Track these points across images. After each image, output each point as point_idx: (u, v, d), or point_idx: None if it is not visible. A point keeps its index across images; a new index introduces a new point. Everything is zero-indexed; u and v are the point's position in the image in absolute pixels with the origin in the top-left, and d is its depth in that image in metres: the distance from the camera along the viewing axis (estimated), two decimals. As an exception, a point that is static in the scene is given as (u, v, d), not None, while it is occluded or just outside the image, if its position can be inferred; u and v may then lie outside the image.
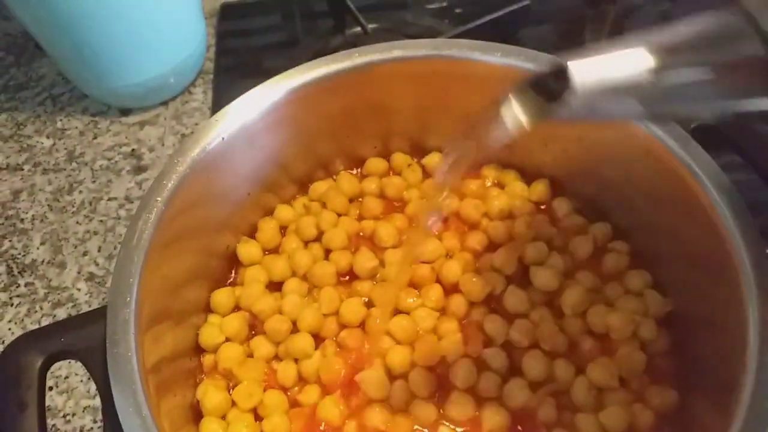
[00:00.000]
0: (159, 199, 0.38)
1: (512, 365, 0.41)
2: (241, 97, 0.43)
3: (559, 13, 0.78)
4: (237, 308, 0.45)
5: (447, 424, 0.40)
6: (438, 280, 0.45)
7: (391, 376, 0.41)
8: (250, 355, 0.43)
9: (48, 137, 0.71)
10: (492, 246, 0.46)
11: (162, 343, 0.38)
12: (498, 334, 0.42)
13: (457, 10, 0.81)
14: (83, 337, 0.36)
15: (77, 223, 0.64)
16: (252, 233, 0.48)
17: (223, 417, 0.40)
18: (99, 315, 0.36)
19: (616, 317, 0.41)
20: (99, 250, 0.62)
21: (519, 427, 0.39)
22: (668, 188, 0.41)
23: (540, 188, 0.49)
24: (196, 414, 0.40)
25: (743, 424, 0.30)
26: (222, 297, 0.45)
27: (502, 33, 0.72)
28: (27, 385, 0.34)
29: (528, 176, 0.50)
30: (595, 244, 0.46)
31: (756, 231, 0.35)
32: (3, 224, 0.64)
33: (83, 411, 0.53)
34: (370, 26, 0.72)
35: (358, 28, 0.72)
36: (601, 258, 0.45)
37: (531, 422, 0.39)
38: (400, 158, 0.51)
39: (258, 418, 0.40)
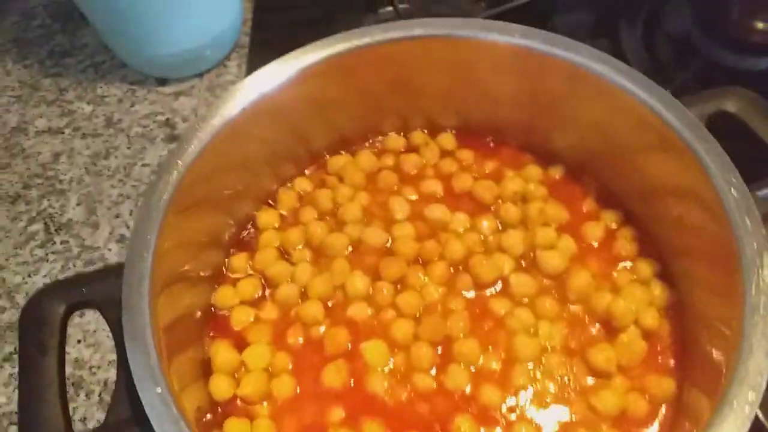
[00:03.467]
0: (180, 162, 0.40)
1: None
2: (264, 68, 0.44)
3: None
4: (251, 273, 0.47)
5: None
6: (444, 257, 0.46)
7: (394, 347, 0.42)
8: (262, 319, 0.44)
9: (88, 103, 0.74)
10: (503, 228, 0.47)
11: (177, 300, 0.40)
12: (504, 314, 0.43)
13: (495, -8, 0.81)
14: (103, 289, 0.38)
15: (111, 186, 0.67)
16: (270, 202, 0.50)
17: (232, 375, 0.42)
18: (119, 269, 0.38)
19: (618, 305, 0.41)
20: (130, 214, 0.65)
21: (513, 406, 0.40)
22: (680, 179, 0.41)
23: (555, 173, 0.49)
24: (206, 370, 0.42)
25: (727, 408, 0.30)
26: (239, 261, 0.47)
27: (535, 17, 0.72)
28: (50, 330, 0.37)
29: (544, 160, 0.50)
30: (607, 230, 0.46)
31: (762, 227, 0.35)
32: (42, 184, 0.67)
33: (108, 364, 0.56)
34: (402, 6, 0.72)
35: (390, 8, 0.73)
36: (612, 245, 0.46)
37: (522, 402, 0.40)
38: (418, 137, 0.52)
39: (266, 377, 0.42)
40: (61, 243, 0.63)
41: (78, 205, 0.66)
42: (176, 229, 0.40)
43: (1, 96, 0.75)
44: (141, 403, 0.33)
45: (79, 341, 0.57)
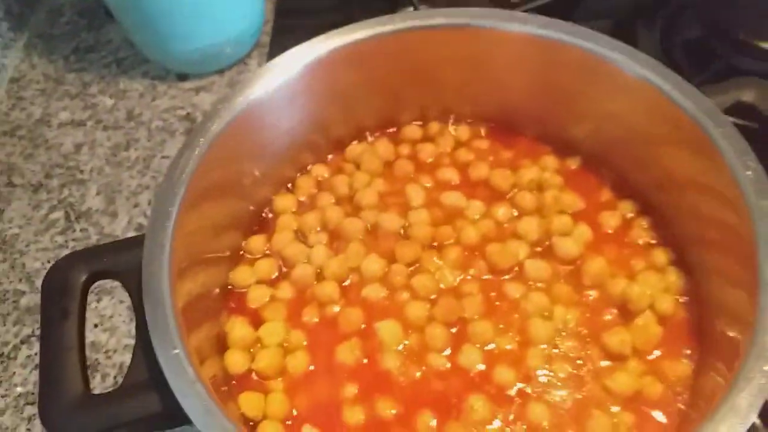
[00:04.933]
0: (202, 139, 0.41)
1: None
2: (286, 52, 0.45)
3: (612, 6, 0.78)
4: (268, 254, 0.47)
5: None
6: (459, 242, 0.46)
7: (408, 327, 0.42)
8: (278, 298, 0.45)
9: (110, 97, 0.75)
10: (519, 215, 0.47)
11: (195, 277, 0.41)
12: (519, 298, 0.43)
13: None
14: (124, 259, 0.39)
15: (131, 177, 0.68)
16: (289, 186, 0.51)
17: (248, 350, 0.42)
18: (140, 242, 0.38)
19: (634, 289, 0.41)
20: (149, 203, 0.66)
21: (526, 387, 0.40)
22: (696, 166, 0.41)
23: (571, 164, 0.50)
24: (222, 345, 0.43)
25: (743, 382, 0.30)
26: (256, 243, 0.47)
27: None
28: (72, 296, 0.37)
29: (561, 151, 0.51)
30: (623, 219, 0.46)
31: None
32: (64, 173, 0.69)
33: (123, 348, 0.56)
34: (422, 7, 0.73)
35: (411, 8, 0.74)
36: (628, 233, 0.46)
37: (536, 383, 0.40)
38: (435, 127, 0.53)
39: (281, 353, 0.42)
40: (81, 230, 0.64)
41: (98, 194, 0.67)
42: (196, 206, 0.41)
43: (26, 89, 0.77)
44: (158, 366, 0.33)
45: (96, 325, 0.57)
